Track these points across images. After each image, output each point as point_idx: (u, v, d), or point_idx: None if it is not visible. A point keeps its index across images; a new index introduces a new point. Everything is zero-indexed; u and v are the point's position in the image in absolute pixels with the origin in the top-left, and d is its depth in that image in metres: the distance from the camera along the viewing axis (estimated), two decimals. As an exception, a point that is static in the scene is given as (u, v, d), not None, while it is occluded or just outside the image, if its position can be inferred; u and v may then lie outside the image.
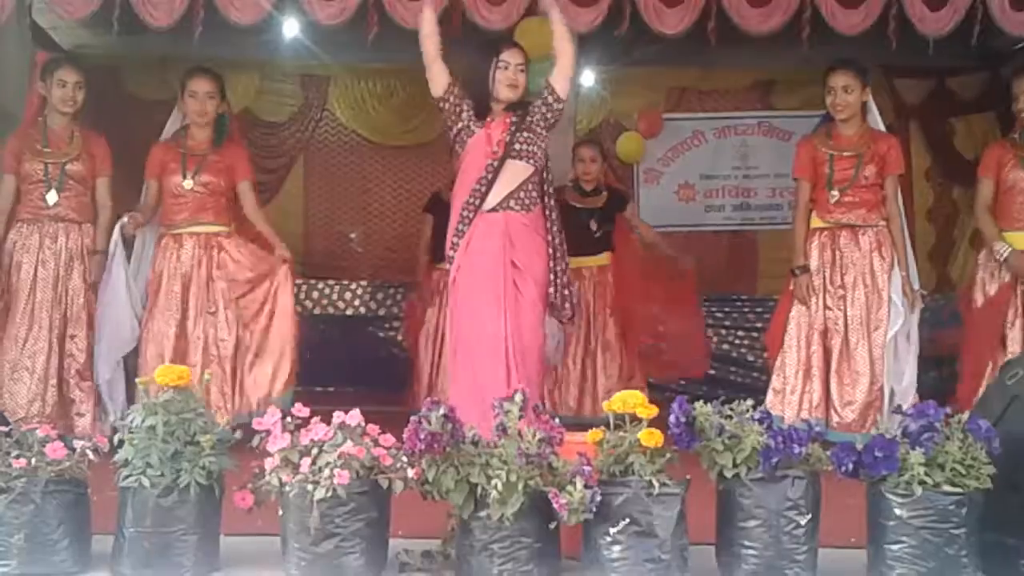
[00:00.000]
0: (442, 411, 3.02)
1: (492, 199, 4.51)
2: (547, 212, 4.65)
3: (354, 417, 3.08)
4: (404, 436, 3.02)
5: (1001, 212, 5.20)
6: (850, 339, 5.11)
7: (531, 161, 4.59)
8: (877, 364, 5.08)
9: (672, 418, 3.11)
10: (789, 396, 5.11)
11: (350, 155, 8.58)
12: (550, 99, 4.69)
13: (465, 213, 4.52)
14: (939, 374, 7.92)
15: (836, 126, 5.28)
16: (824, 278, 5.17)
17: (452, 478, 3.00)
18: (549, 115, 4.69)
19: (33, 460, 3.07)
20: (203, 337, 5.16)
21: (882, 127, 5.45)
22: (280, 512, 3.07)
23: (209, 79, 5.36)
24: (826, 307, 5.15)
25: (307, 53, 7.51)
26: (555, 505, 2.97)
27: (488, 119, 4.69)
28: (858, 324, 5.10)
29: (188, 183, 5.21)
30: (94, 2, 6.22)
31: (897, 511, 3.07)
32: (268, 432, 3.07)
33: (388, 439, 3.09)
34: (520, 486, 2.98)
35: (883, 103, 8.55)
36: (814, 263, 5.18)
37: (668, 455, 3.10)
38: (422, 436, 2.97)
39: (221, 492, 3.15)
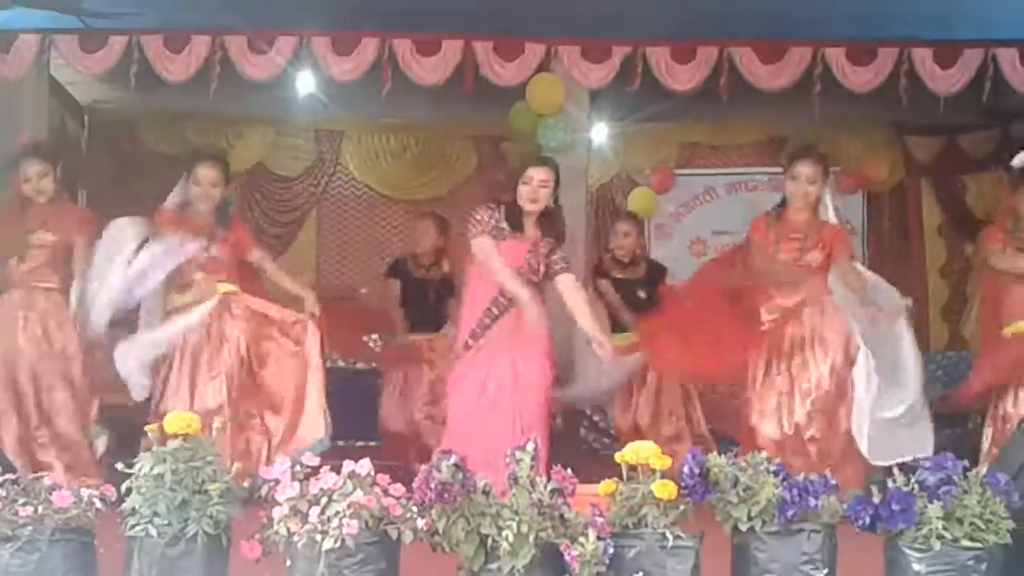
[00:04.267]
0: (452, 461, 2.98)
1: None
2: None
3: (364, 466, 3.04)
4: (414, 486, 2.98)
5: None
6: None
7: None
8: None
9: (685, 469, 3.07)
10: None
11: (362, 209, 8.63)
12: (557, 267, 4.87)
13: (493, 312, 4.77)
14: (953, 433, 7.84)
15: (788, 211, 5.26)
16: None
17: (462, 529, 2.96)
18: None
19: (40, 508, 3.03)
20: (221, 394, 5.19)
21: (833, 219, 5.36)
22: (288, 562, 3.02)
23: (214, 168, 5.39)
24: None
25: (321, 108, 7.58)
26: (567, 557, 2.91)
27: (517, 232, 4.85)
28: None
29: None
30: (111, 58, 6.35)
31: (915, 566, 3.00)
32: (276, 481, 3.03)
33: (398, 489, 3.04)
34: (531, 538, 2.92)
35: (895, 160, 8.61)
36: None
37: (682, 507, 3.05)
38: (432, 485, 2.93)
39: (228, 542, 3.11)
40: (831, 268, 5.15)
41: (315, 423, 5.22)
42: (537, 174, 4.83)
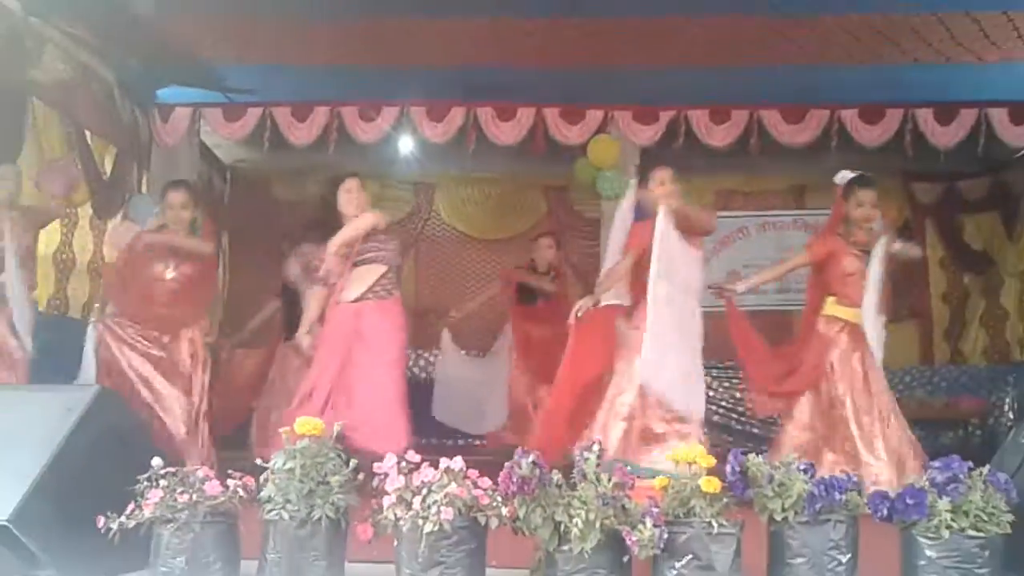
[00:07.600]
0: (532, 458, 2.97)
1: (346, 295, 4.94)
2: None
3: (457, 463, 3.05)
4: (499, 480, 2.98)
5: None
6: None
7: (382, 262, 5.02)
8: None
9: (728, 468, 3.03)
10: None
11: (453, 248, 8.69)
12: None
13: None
14: (955, 435, 7.66)
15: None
16: None
17: (540, 516, 2.94)
18: None
19: (194, 496, 3.10)
20: None
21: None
22: (395, 543, 3.03)
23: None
24: None
25: (418, 165, 7.70)
26: (628, 542, 2.88)
27: None
28: None
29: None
30: (249, 125, 6.51)
31: (927, 552, 2.92)
32: (385, 475, 3.05)
33: (485, 482, 3.04)
34: (598, 524, 2.90)
35: (902, 203, 8.44)
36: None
37: (725, 500, 3.01)
38: (515, 480, 2.92)
39: (347, 524, 3.13)
40: None
41: None
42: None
